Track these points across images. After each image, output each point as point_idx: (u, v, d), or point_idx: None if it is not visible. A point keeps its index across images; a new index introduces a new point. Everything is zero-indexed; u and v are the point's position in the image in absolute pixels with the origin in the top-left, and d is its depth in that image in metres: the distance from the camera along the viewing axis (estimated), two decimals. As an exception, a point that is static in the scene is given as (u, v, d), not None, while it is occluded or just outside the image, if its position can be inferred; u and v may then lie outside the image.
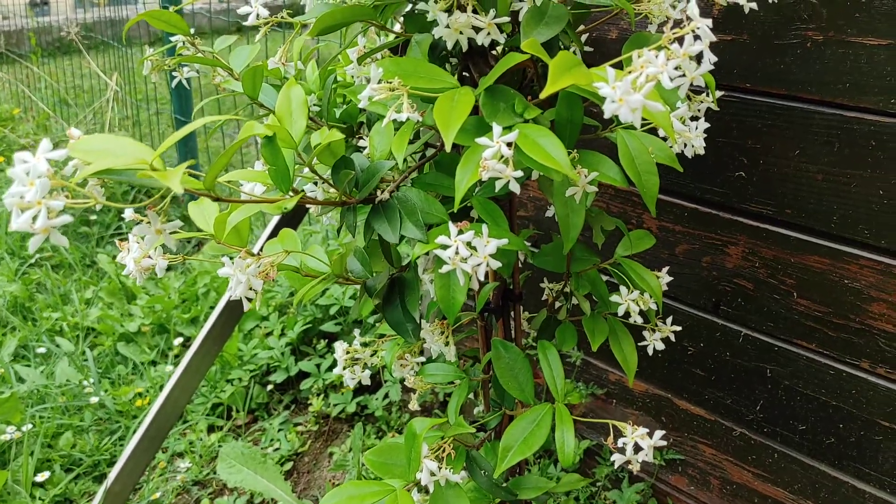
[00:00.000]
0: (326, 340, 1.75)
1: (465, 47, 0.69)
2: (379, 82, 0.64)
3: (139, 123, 2.79)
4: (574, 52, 0.91)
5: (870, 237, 0.95)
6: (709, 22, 0.59)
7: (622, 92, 0.53)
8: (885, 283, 0.95)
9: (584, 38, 0.94)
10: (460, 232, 0.64)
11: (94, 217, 2.37)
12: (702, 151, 0.77)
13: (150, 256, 0.69)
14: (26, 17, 4.85)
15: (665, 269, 0.90)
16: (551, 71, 0.56)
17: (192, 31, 0.95)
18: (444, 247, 0.63)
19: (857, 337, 0.99)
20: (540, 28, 0.67)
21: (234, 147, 0.57)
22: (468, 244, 0.63)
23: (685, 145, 0.75)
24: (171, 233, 0.62)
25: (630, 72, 0.55)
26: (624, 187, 0.71)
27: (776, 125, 1.00)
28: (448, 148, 0.60)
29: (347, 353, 0.93)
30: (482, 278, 0.64)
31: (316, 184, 0.78)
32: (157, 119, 2.91)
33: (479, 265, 0.63)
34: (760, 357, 1.10)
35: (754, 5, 0.91)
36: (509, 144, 0.59)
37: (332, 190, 0.75)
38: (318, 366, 1.68)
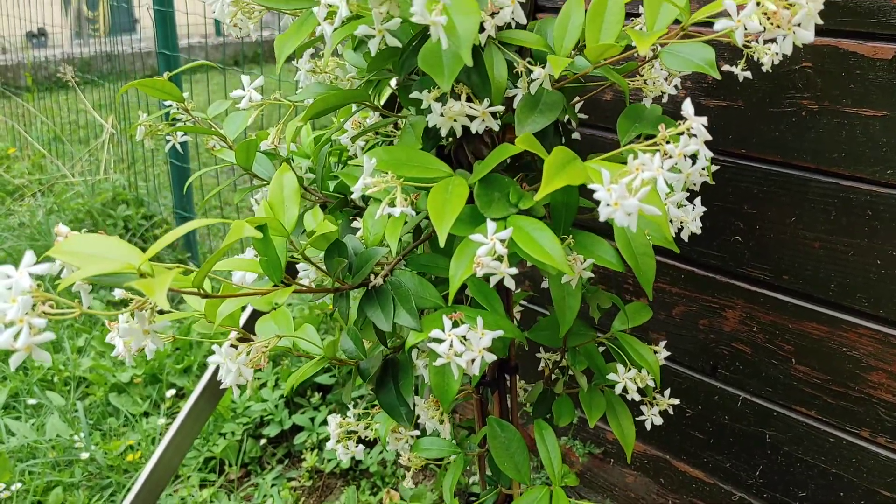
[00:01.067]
0: (321, 393, 1.73)
1: (459, 133, 0.69)
2: (372, 174, 0.63)
3: (134, 165, 2.79)
4: (569, 123, 0.91)
5: (868, 306, 0.94)
6: (703, 120, 0.59)
7: (618, 196, 0.52)
8: (883, 352, 0.94)
9: (578, 106, 0.94)
10: (455, 324, 0.63)
11: (87, 262, 2.35)
12: (698, 232, 0.76)
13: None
14: (23, 54, 4.87)
15: (662, 343, 0.89)
16: (546, 170, 0.56)
17: (183, 96, 0.94)
18: (439, 340, 0.62)
19: (856, 405, 0.98)
20: (534, 116, 0.66)
21: (223, 249, 0.56)
22: (463, 338, 0.62)
23: (681, 226, 0.75)
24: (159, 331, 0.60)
25: (625, 173, 0.54)
26: (619, 268, 0.70)
27: (772, 191, 1.00)
28: (442, 244, 0.59)
29: (341, 426, 0.91)
30: (477, 372, 0.63)
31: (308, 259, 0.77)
32: (152, 157, 2.90)
33: (473, 359, 0.62)
34: (759, 422, 1.08)
35: (748, 74, 0.91)
36: (503, 241, 0.59)
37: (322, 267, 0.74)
38: (312, 419, 1.66)
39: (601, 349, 0.92)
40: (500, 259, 0.59)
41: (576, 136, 0.99)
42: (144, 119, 1.02)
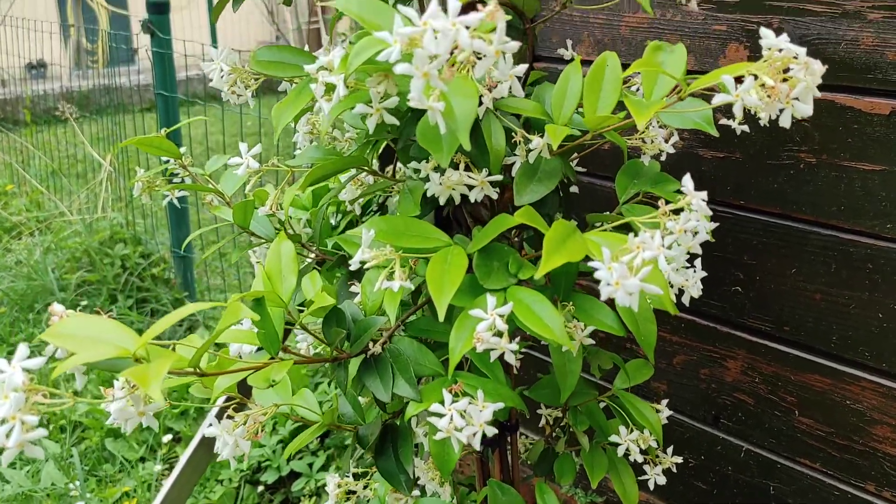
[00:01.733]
0: (318, 438, 1.72)
1: (458, 201, 0.68)
2: (371, 246, 0.63)
3: (132, 202, 2.78)
4: (567, 178, 0.90)
5: (870, 359, 0.93)
6: (703, 195, 0.58)
7: (619, 276, 0.52)
8: (887, 406, 0.93)
9: (575, 161, 0.94)
10: (455, 397, 0.62)
11: (84, 302, 2.34)
12: (698, 295, 0.76)
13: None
14: (21, 88, 4.89)
15: (665, 402, 0.88)
16: (546, 246, 0.55)
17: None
18: (439, 415, 0.61)
19: (861, 459, 0.97)
20: (533, 185, 0.66)
21: (220, 331, 0.55)
22: (463, 412, 0.61)
23: (681, 291, 0.74)
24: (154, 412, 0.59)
25: (626, 251, 0.54)
26: (620, 333, 0.70)
27: (771, 243, 0.99)
28: (441, 318, 0.58)
29: (339, 486, 0.90)
30: (478, 446, 0.62)
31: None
32: (153, 223, 2.89)
33: (474, 434, 0.61)
34: (763, 473, 1.07)
35: (746, 127, 0.91)
36: (503, 316, 0.58)
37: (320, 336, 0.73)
38: (310, 465, 1.64)
39: (602, 405, 0.91)
40: (499, 335, 0.58)
41: (574, 189, 0.99)
42: (142, 175, 1.02)
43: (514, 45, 0.46)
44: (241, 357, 0.66)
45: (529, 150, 0.65)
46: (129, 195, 2.91)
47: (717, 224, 1.00)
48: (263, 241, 0.91)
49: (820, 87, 0.92)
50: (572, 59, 0.89)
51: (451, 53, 0.45)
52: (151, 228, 2.72)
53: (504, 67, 0.48)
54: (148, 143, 0.94)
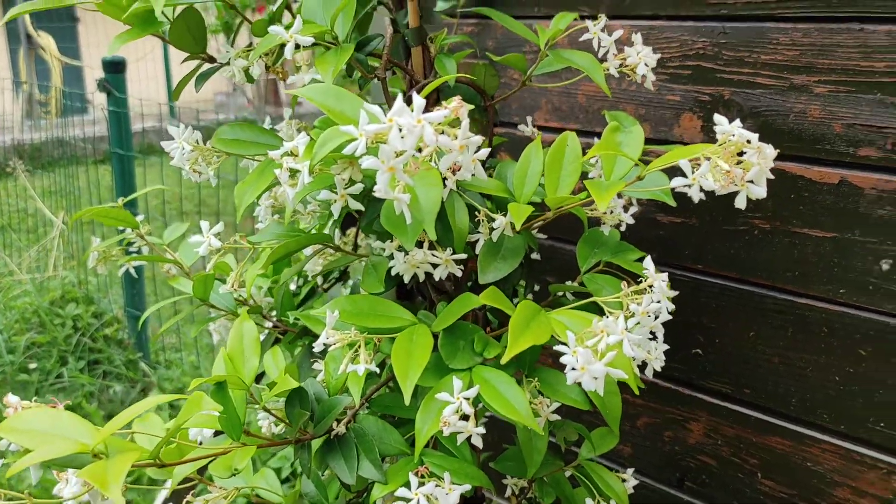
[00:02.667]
0: None
1: (422, 279, 0.68)
2: (335, 327, 0.62)
3: (84, 260, 2.72)
4: (530, 248, 0.91)
5: (829, 421, 0.95)
6: (665, 276, 0.59)
7: (584, 361, 0.52)
8: (847, 468, 0.94)
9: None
10: (421, 479, 0.62)
11: (33, 365, 2.27)
12: (660, 368, 0.76)
13: None
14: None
15: (630, 471, 0.88)
16: (511, 330, 0.55)
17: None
18: (406, 500, 0.60)
19: (824, 521, 0.97)
20: (497, 263, 0.66)
21: (179, 424, 0.54)
22: (430, 496, 0.60)
23: (644, 363, 0.75)
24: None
25: (590, 335, 0.54)
26: (585, 407, 0.70)
27: (729, 307, 1.01)
28: (407, 402, 0.58)
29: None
30: (445, 531, 0.61)
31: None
32: (107, 281, 2.84)
33: (441, 519, 0.60)
34: (729, 536, 1.07)
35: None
36: (470, 399, 0.58)
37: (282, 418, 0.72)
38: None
39: (568, 474, 0.91)
40: (466, 418, 0.58)
41: (535, 256, 1.00)
42: (97, 245, 1.00)
43: (477, 139, 0.47)
44: (201, 442, 0.65)
45: (493, 229, 0.66)
46: (82, 250, 2.85)
47: (677, 292, 1.01)
48: (223, 314, 0.89)
49: (771, 156, 0.96)
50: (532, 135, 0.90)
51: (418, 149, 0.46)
52: (105, 287, 2.66)
53: (468, 155, 0.48)
54: (104, 215, 0.93)
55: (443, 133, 0.46)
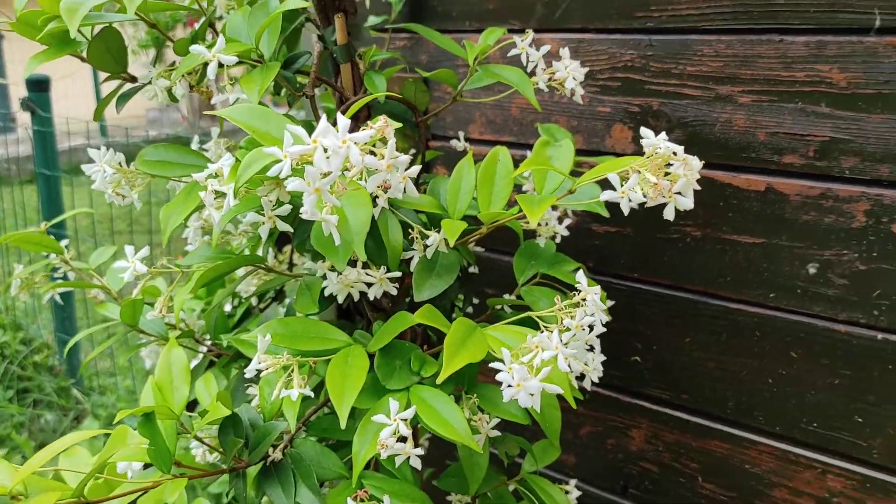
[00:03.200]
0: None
1: (357, 298, 0.67)
2: (266, 353, 0.61)
3: (14, 311, 2.61)
4: (467, 263, 0.91)
5: (765, 423, 0.97)
6: (597, 289, 0.59)
7: (519, 377, 0.52)
8: (783, 469, 0.96)
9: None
10: (360, 503, 0.60)
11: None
12: (598, 379, 0.77)
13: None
14: None
15: (573, 482, 0.88)
16: (446, 349, 0.55)
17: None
18: (345, 525, 0.59)
19: (763, 521, 0.99)
20: (432, 280, 0.66)
21: (103, 458, 0.52)
22: (370, 521, 0.59)
23: (583, 375, 0.75)
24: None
25: (525, 350, 0.54)
26: (525, 422, 0.70)
27: (665, 313, 1.02)
28: (343, 425, 0.57)
29: None
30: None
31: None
32: (35, 305, 2.73)
33: (382, 543, 0.59)
34: (672, 541, 1.08)
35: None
36: (407, 420, 0.57)
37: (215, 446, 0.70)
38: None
39: (512, 488, 0.90)
40: (404, 440, 0.57)
41: (473, 269, 1.00)
42: (20, 272, 0.97)
43: (405, 158, 0.47)
44: (129, 475, 0.62)
45: (427, 246, 0.65)
46: (6, 273, 2.75)
47: (613, 302, 1.02)
48: (154, 339, 0.87)
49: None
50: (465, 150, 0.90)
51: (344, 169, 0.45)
52: (33, 312, 2.57)
53: (396, 174, 0.48)
54: (27, 240, 0.90)
55: (370, 153, 0.45)
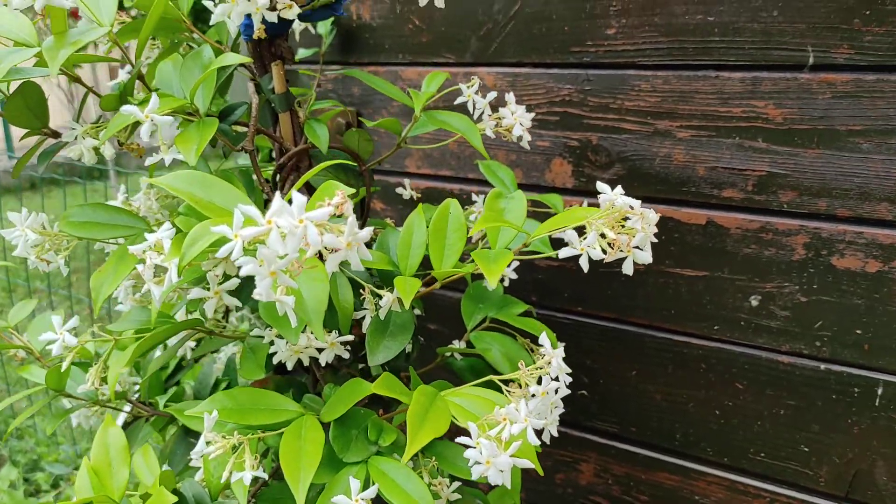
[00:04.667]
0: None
1: (306, 363, 0.64)
2: (214, 428, 0.57)
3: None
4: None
5: (713, 454, 0.97)
6: (560, 353, 0.58)
7: (489, 454, 0.50)
8: (732, 499, 0.97)
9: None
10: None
11: None
12: (556, 433, 0.75)
13: None
14: None
15: (529, 529, 0.87)
16: (409, 425, 0.52)
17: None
18: None
19: (714, 550, 1.00)
20: (386, 341, 0.63)
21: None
22: None
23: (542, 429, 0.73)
24: None
25: (492, 423, 0.52)
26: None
27: (611, 346, 1.02)
28: (301, 503, 0.53)
29: None
30: None
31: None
32: None
33: None
34: (624, 573, 1.08)
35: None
36: (369, 499, 0.54)
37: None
38: None
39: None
40: (366, 519, 0.54)
41: (418, 311, 0.97)
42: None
43: (366, 234, 0.44)
44: (66, 570, 0.57)
45: (380, 307, 0.63)
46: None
47: (556, 334, 1.02)
48: (84, 403, 0.81)
49: (640, 199, 0.98)
50: (410, 198, 0.88)
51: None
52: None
53: (355, 253, 0.45)
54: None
55: (329, 233, 0.42)
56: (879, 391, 0.85)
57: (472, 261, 0.63)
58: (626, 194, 0.94)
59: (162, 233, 0.52)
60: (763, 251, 0.89)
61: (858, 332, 0.85)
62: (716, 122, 0.89)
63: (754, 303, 0.91)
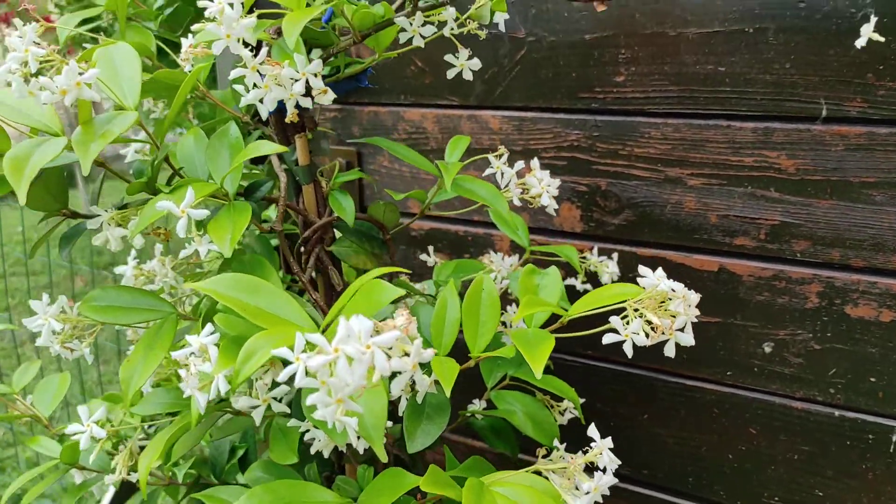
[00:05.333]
0: None
1: (343, 448, 0.63)
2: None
3: None
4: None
5: (726, 498, 0.98)
6: (609, 443, 0.57)
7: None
8: (746, 540, 0.98)
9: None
10: None
11: None
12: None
13: None
14: None
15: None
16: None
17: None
18: None
19: (727, 590, 1.00)
20: (423, 425, 0.62)
21: None
22: None
23: None
24: None
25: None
26: None
27: (622, 390, 1.02)
28: None
29: None
30: None
31: None
32: None
33: None
34: None
35: (588, 286, 0.94)
36: None
37: None
38: None
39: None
40: None
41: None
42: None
43: (429, 353, 0.43)
44: None
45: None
46: None
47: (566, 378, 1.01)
48: (98, 477, 0.79)
49: (650, 245, 0.98)
50: (435, 263, 0.87)
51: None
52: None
53: (422, 377, 0.44)
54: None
55: (397, 358, 0.41)
56: (894, 438, 0.86)
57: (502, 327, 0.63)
58: (636, 241, 0.94)
59: (206, 338, 0.50)
60: (776, 299, 0.90)
61: (872, 379, 0.86)
62: (727, 171, 0.89)
63: (767, 349, 0.91)
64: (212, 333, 0.50)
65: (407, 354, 0.42)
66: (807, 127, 0.84)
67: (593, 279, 0.97)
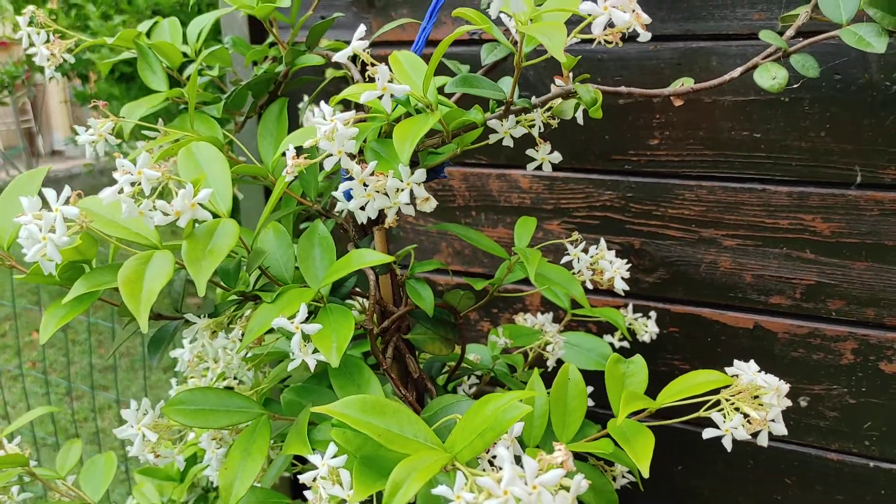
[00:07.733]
0: None
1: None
2: None
3: None
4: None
5: (762, 545, 1.01)
6: None
7: None
8: (782, 586, 1.01)
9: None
10: None
11: None
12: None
13: None
14: None
15: None
16: None
17: None
18: None
19: None
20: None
21: None
22: None
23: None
24: None
25: None
26: None
27: (656, 442, 1.04)
28: None
29: None
30: None
31: None
32: None
33: None
34: None
35: (626, 343, 0.96)
36: None
37: None
38: None
39: None
40: None
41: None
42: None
43: (585, 484, 0.44)
44: None
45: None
46: None
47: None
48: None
49: (685, 302, 1.00)
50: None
51: None
52: None
53: (575, 492, 0.45)
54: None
55: (560, 494, 0.42)
56: (929, 488, 0.90)
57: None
58: (671, 298, 0.96)
59: (331, 460, 0.50)
60: (811, 355, 0.93)
61: (907, 432, 0.90)
62: (762, 233, 0.92)
63: (803, 403, 0.95)
64: (335, 456, 0.50)
65: (566, 488, 0.43)
66: (842, 192, 0.88)
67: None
